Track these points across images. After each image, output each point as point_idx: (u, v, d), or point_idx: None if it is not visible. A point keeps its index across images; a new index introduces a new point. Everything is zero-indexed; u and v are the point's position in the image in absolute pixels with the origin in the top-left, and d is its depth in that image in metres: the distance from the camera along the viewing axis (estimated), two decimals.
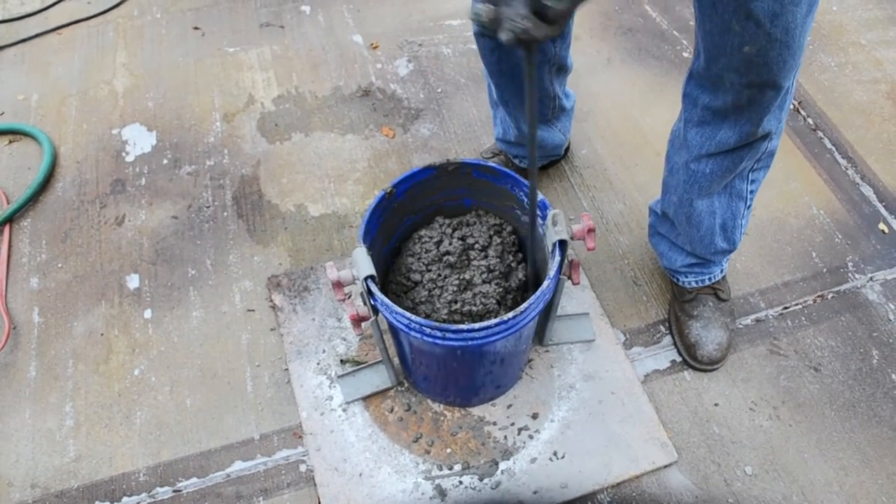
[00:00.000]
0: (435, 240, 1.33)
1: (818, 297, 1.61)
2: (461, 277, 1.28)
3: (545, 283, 1.14)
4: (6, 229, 1.74)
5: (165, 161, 1.87)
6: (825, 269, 1.65)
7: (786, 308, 1.59)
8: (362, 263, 1.15)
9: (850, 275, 1.64)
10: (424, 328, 1.12)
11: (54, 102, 2.01)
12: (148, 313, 1.61)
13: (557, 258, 1.16)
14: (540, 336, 1.49)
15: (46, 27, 2.21)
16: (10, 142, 1.92)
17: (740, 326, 1.56)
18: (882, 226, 1.72)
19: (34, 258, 1.70)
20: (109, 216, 1.77)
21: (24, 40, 2.17)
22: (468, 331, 1.11)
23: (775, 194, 1.77)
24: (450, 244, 1.31)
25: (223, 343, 1.56)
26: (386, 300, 1.12)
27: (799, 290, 1.62)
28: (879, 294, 1.61)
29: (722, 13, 1.04)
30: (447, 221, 1.38)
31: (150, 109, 1.98)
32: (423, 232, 1.34)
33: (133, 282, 1.66)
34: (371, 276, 1.14)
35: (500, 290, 1.30)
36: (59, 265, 1.69)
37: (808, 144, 1.87)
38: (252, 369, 1.52)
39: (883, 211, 1.75)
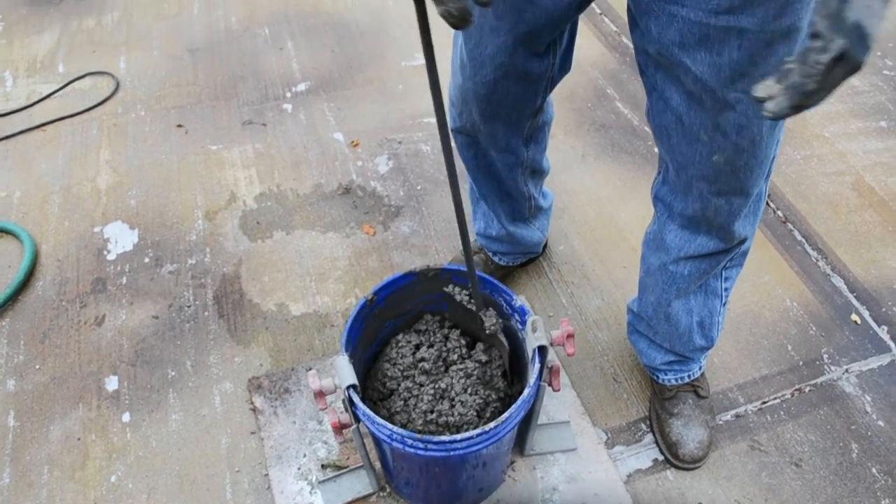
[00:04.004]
0: (413, 343, 1.34)
1: (796, 390, 1.63)
2: (437, 386, 1.29)
3: (526, 392, 1.15)
4: None
5: (147, 259, 1.88)
6: (801, 362, 1.67)
7: (764, 403, 1.60)
8: (344, 373, 1.16)
9: (825, 367, 1.67)
10: (406, 439, 1.12)
11: (37, 199, 2.03)
12: (126, 416, 1.59)
13: (537, 365, 1.18)
14: (521, 445, 1.49)
15: (31, 124, 2.24)
16: None
17: (720, 422, 1.57)
18: (854, 317, 1.76)
19: (11, 359, 1.69)
20: (89, 316, 1.76)
21: (7, 137, 2.20)
22: (450, 442, 1.11)
23: (749, 287, 1.81)
24: (426, 350, 1.32)
25: (202, 447, 1.54)
26: (367, 411, 1.13)
27: (776, 383, 1.64)
28: (855, 386, 1.63)
29: (689, 125, 1.09)
30: (434, 318, 1.39)
31: (133, 207, 2.00)
32: (400, 336, 1.35)
33: (112, 384, 1.64)
34: (353, 386, 1.15)
35: (480, 400, 1.30)
36: (37, 366, 1.67)
37: (779, 237, 1.92)
38: (232, 475, 1.50)
39: (854, 301, 1.79)
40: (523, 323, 1.25)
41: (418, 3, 0.82)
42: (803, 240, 1.92)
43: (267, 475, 1.49)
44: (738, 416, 1.58)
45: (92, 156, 2.15)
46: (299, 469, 1.50)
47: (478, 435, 1.11)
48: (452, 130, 1.45)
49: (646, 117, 1.20)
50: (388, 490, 1.46)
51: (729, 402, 1.61)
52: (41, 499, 1.46)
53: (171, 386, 1.64)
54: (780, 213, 1.98)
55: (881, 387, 1.63)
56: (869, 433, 1.55)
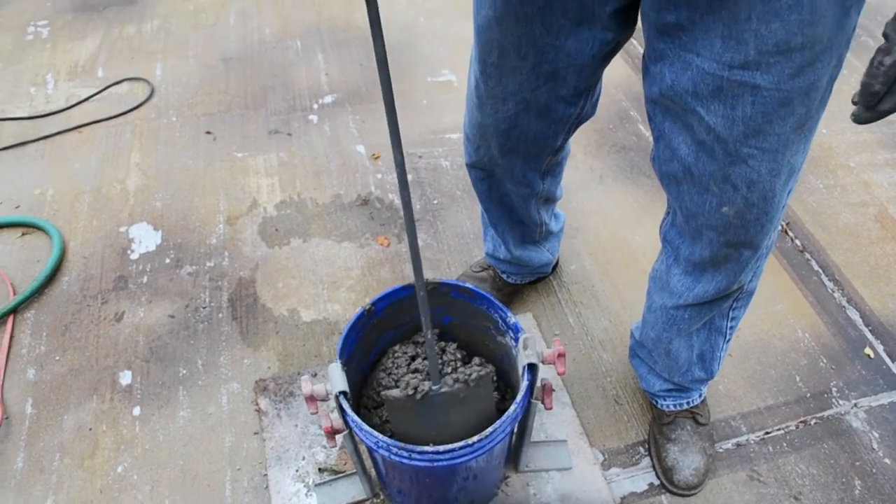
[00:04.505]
0: (409, 354, 1.36)
1: (801, 422, 1.60)
2: None
3: (511, 408, 1.16)
4: (10, 320, 1.80)
5: (168, 260, 1.94)
6: (809, 394, 1.65)
7: (767, 433, 1.59)
8: (336, 379, 1.18)
9: (833, 400, 1.64)
10: (391, 447, 1.14)
11: (68, 198, 2.11)
12: (137, 410, 1.64)
13: (526, 382, 1.19)
14: (515, 461, 1.50)
15: (68, 125, 2.34)
16: (23, 234, 2.01)
17: (720, 450, 1.56)
18: (868, 350, 1.73)
19: (33, 350, 1.76)
20: (109, 312, 1.83)
21: (45, 137, 2.30)
22: (433, 452, 1.12)
23: (761, 315, 1.79)
24: (421, 361, 1.34)
25: (206, 444, 1.58)
26: (356, 417, 1.15)
27: (781, 414, 1.62)
28: (863, 421, 1.60)
29: (699, 175, 1.06)
30: (434, 330, 1.41)
31: (158, 209, 2.07)
32: (397, 347, 1.38)
33: (126, 378, 1.70)
34: (343, 393, 1.17)
35: None
36: (57, 358, 1.74)
37: (795, 266, 1.90)
38: (232, 472, 1.54)
39: (869, 335, 1.76)
40: (516, 340, 1.27)
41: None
42: (820, 270, 1.90)
43: (266, 475, 1.52)
44: (738, 444, 1.57)
45: (123, 158, 2.23)
46: (297, 471, 1.53)
47: (460, 448, 1.13)
48: (467, 165, 1.46)
49: (651, 163, 1.18)
50: (381, 497, 1.48)
51: (731, 431, 1.59)
52: (51, 484, 1.52)
53: (182, 383, 1.69)
54: (798, 241, 1.96)
55: (891, 423, 1.60)
56: (874, 470, 1.52)
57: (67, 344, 1.77)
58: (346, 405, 1.17)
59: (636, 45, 2.65)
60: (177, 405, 1.65)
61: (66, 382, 1.69)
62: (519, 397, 1.17)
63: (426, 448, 1.12)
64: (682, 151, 1.06)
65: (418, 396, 1.23)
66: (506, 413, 1.16)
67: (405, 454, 1.13)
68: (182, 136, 2.31)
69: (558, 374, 1.23)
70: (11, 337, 1.78)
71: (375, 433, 1.13)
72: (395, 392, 1.24)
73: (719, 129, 0.98)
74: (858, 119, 0.83)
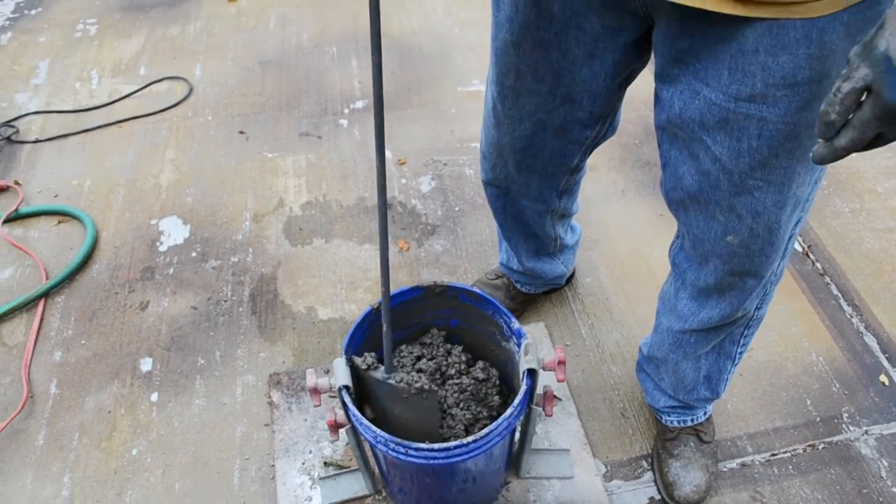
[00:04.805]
0: (415, 354, 1.39)
1: (809, 446, 1.59)
2: None
3: (508, 410, 1.18)
4: (41, 303, 1.88)
5: (194, 254, 2.00)
6: (819, 418, 1.64)
7: (773, 455, 1.58)
8: (340, 373, 1.22)
9: (844, 426, 1.63)
10: (389, 443, 1.16)
11: (104, 190, 2.19)
12: (154, 396, 1.69)
13: (525, 386, 1.21)
14: (517, 467, 1.51)
15: (109, 120, 2.43)
16: (59, 222, 2.10)
17: (724, 469, 1.55)
18: (883, 377, 1.71)
19: (61, 333, 1.83)
20: (135, 301, 1.89)
21: (87, 130, 2.39)
22: (428, 450, 1.15)
23: (775, 337, 1.78)
24: (426, 362, 1.36)
25: (219, 433, 1.63)
26: (356, 412, 1.18)
27: (789, 437, 1.61)
28: (873, 449, 1.58)
29: (705, 203, 1.07)
30: (440, 333, 1.44)
31: (189, 204, 2.14)
32: (403, 347, 1.40)
33: (146, 365, 1.76)
34: (346, 387, 1.20)
35: (470, 415, 1.34)
36: (83, 342, 1.81)
37: (813, 289, 1.89)
38: (241, 462, 1.58)
39: (885, 363, 1.74)
40: (519, 345, 1.28)
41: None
42: (839, 294, 1.88)
43: (273, 466, 1.56)
44: (743, 465, 1.56)
45: (159, 154, 2.31)
46: (304, 464, 1.56)
47: (455, 447, 1.15)
48: (484, 182, 1.48)
49: (660, 189, 1.19)
50: (383, 494, 1.51)
51: (736, 450, 1.59)
52: (68, 462, 1.58)
53: (199, 373, 1.74)
54: (818, 265, 1.95)
55: None
56: (881, 499, 1.50)
57: (93, 329, 1.83)
58: (347, 399, 1.20)
59: None
60: (193, 393, 1.70)
61: (89, 366, 1.76)
62: (516, 401, 1.19)
63: (422, 445, 1.15)
64: (688, 179, 1.06)
65: (370, 371, 1.24)
66: (502, 415, 1.18)
67: (402, 450, 1.16)
68: (216, 134, 2.37)
69: (558, 380, 1.24)
70: (41, 319, 1.85)
71: (374, 428, 1.16)
72: (357, 359, 1.26)
73: (725, 160, 0.98)
74: (815, 156, 0.76)
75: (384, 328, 1.21)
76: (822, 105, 0.72)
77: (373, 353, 1.27)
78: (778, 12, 0.82)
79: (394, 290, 1.34)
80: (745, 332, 1.34)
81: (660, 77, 1.02)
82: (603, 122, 1.23)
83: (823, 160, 0.76)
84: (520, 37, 1.09)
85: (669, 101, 1.00)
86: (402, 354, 1.41)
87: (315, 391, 1.23)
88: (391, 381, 1.25)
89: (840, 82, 0.70)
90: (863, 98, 0.70)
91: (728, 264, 1.13)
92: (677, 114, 1.00)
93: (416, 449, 1.15)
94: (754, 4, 0.82)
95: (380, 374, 1.25)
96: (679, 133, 1.03)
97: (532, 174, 1.36)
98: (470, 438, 1.15)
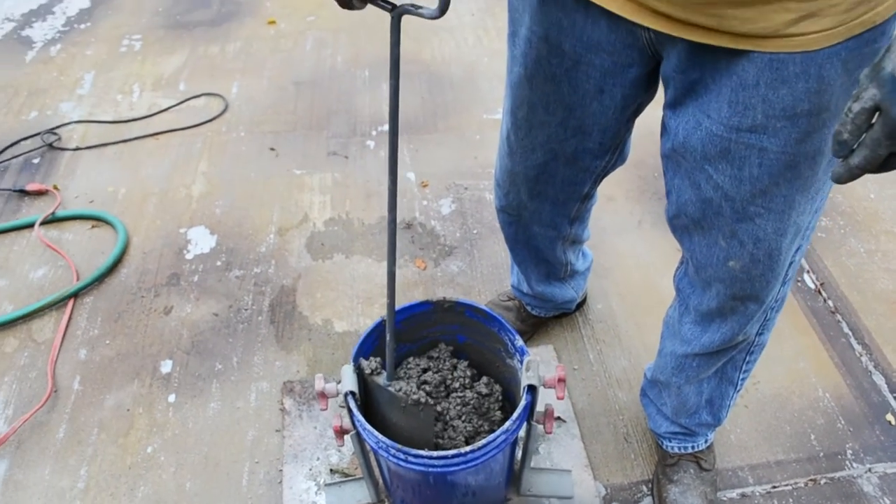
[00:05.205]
0: (422, 367, 1.43)
1: (811, 480, 1.60)
2: (434, 408, 1.37)
3: (507, 424, 1.22)
4: (70, 302, 1.96)
5: (219, 263, 2.08)
6: (822, 454, 1.64)
7: (774, 487, 1.59)
8: (346, 379, 1.26)
9: (847, 462, 1.63)
10: (390, 448, 1.21)
11: (137, 198, 2.28)
12: (172, 397, 1.76)
13: (525, 401, 1.25)
14: (517, 484, 1.54)
15: (146, 132, 2.53)
16: (93, 227, 2.19)
17: (724, 499, 1.56)
18: (890, 416, 1.71)
19: (88, 332, 1.90)
20: (160, 305, 1.97)
21: (125, 140, 2.49)
22: (427, 457, 1.19)
23: (783, 371, 1.80)
24: (432, 374, 1.41)
25: (231, 436, 1.68)
26: (360, 417, 1.23)
27: (791, 470, 1.61)
28: (876, 487, 1.58)
29: (708, 229, 1.11)
30: (448, 348, 1.48)
31: (217, 215, 2.22)
32: (411, 359, 1.45)
33: (166, 367, 1.82)
34: (352, 392, 1.25)
35: (471, 428, 1.37)
36: (107, 342, 1.88)
37: (824, 326, 1.90)
38: (251, 465, 1.63)
39: (893, 402, 1.74)
40: (522, 362, 1.32)
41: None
42: (850, 332, 1.89)
43: (281, 470, 1.61)
44: (744, 495, 1.57)
45: (192, 166, 2.40)
46: (311, 470, 1.61)
47: (453, 456, 1.18)
48: (497, 209, 1.53)
49: (665, 215, 1.23)
50: (386, 503, 1.55)
51: (737, 481, 1.60)
52: (86, 455, 1.65)
53: (216, 377, 1.80)
54: (830, 302, 1.96)
55: None
56: None
57: (118, 330, 1.91)
58: (352, 404, 1.24)
59: None
60: (209, 396, 1.76)
61: (112, 365, 1.83)
62: (515, 414, 1.23)
63: (421, 452, 1.19)
64: (691, 207, 1.10)
65: (373, 376, 1.29)
66: (501, 428, 1.22)
67: (402, 456, 1.20)
68: (248, 150, 2.46)
69: (557, 398, 1.28)
70: (70, 318, 1.93)
71: (377, 433, 1.20)
72: (364, 362, 1.30)
73: (727, 188, 1.02)
74: (833, 175, 0.78)
75: (388, 337, 1.25)
76: (836, 125, 0.75)
77: (378, 359, 1.32)
78: (778, 46, 0.86)
79: (405, 304, 1.40)
80: (748, 359, 1.37)
81: (669, 106, 1.06)
82: (612, 152, 1.27)
83: (840, 179, 0.77)
84: (533, 71, 1.14)
85: (675, 131, 1.05)
86: (408, 366, 1.45)
87: (322, 395, 1.28)
88: (391, 389, 1.29)
89: (851, 102, 0.73)
90: (874, 119, 0.73)
91: (730, 289, 1.16)
92: (681, 143, 1.04)
93: (416, 456, 1.19)
94: (755, 38, 0.86)
95: (382, 380, 1.30)
96: (682, 162, 1.06)
97: (544, 201, 1.40)
98: (468, 448, 1.18)
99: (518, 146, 1.29)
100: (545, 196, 1.39)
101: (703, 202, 1.07)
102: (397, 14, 0.92)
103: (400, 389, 1.29)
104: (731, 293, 1.17)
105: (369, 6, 0.93)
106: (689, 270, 1.26)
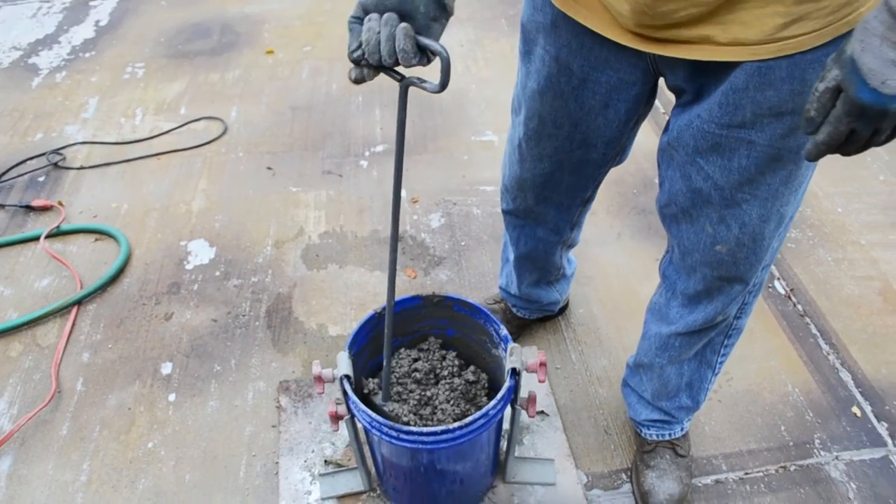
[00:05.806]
0: (412, 357, 1.52)
1: (781, 467, 1.68)
2: (423, 394, 1.46)
3: (492, 402, 1.31)
4: (74, 309, 2.04)
5: (218, 273, 2.17)
6: (792, 443, 1.73)
7: (747, 473, 1.67)
8: (342, 364, 1.35)
9: (815, 451, 1.72)
10: (383, 427, 1.29)
11: (140, 213, 2.38)
12: (172, 396, 1.83)
13: (508, 383, 1.34)
14: (503, 472, 1.62)
15: (149, 152, 2.64)
16: (97, 239, 2.28)
17: (699, 485, 1.65)
18: (855, 409, 1.81)
19: (91, 337, 1.98)
20: (161, 312, 2.05)
21: (128, 160, 2.60)
22: (417, 433, 1.27)
23: (754, 369, 1.89)
24: (421, 363, 1.50)
25: (229, 432, 1.76)
26: (355, 398, 1.31)
27: (762, 458, 1.70)
28: (843, 472, 1.67)
29: (696, 217, 1.22)
30: (437, 341, 1.58)
31: (216, 229, 2.32)
32: (402, 350, 1.54)
33: (167, 369, 1.90)
34: (347, 376, 1.34)
35: (459, 412, 1.46)
36: (110, 346, 1.96)
37: (793, 328, 2.00)
38: (248, 458, 1.70)
39: (858, 396, 1.84)
40: (506, 349, 1.42)
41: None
42: (818, 334, 1.99)
43: (277, 463, 1.68)
44: (718, 481, 1.66)
45: (192, 184, 2.51)
46: (305, 462, 1.68)
47: (442, 431, 1.27)
48: (504, 212, 1.64)
49: (655, 205, 1.34)
50: (378, 492, 1.62)
51: (712, 468, 1.68)
52: (88, 451, 1.72)
53: (215, 378, 1.88)
54: (799, 307, 2.06)
55: (869, 477, 1.66)
56: None
57: (120, 335, 1.99)
58: (347, 387, 1.33)
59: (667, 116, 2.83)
60: (208, 395, 1.84)
61: (114, 367, 1.91)
62: (500, 394, 1.32)
63: (412, 429, 1.27)
64: (682, 197, 1.21)
65: (371, 396, 1.45)
66: (486, 406, 1.31)
67: (394, 434, 1.28)
68: (246, 169, 2.57)
69: (539, 381, 1.37)
70: (73, 324, 2.01)
71: (370, 413, 1.29)
72: (364, 381, 1.46)
73: (717, 177, 1.13)
74: (805, 153, 0.85)
75: (384, 363, 1.37)
76: (805, 103, 0.83)
77: (376, 380, 1.47)
78: (771, 51, 0.96)
79: (397, 299, 1.49)
80: (725, 342, 1.47)
81: (676, 107, 1.18)
82: (614, 159, 1.40)
83: (810, 156, 0.85)
84: (544, 87, 1.25)
85: (671, 128, 1.17)
86: (400, 356, 1.54)
87: (319, 379, 1.37)
88: (385, 409, 1.42)
89: (818, 83, 0.81)
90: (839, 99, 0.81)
91: (716, 271, 1.26)
92: (675, 137, 1.16)
93: (407, 433, 1.28)
94: (750, 45, 0.96)
95: (378, 399, 1.41)
96: (675, 155, 1.18)
97: (549, 206, 1.51)
98: (456, 425, 1.27)
99: (528, 154, 1.40)
100: (550, 201, 1.50)
101: (693, 192, 1.18)
102: (405, 85, 1.06)
103: (392, 410, 1.42)
104: (717, 275, 1.27)
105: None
106: (674, 258, 1.36)
